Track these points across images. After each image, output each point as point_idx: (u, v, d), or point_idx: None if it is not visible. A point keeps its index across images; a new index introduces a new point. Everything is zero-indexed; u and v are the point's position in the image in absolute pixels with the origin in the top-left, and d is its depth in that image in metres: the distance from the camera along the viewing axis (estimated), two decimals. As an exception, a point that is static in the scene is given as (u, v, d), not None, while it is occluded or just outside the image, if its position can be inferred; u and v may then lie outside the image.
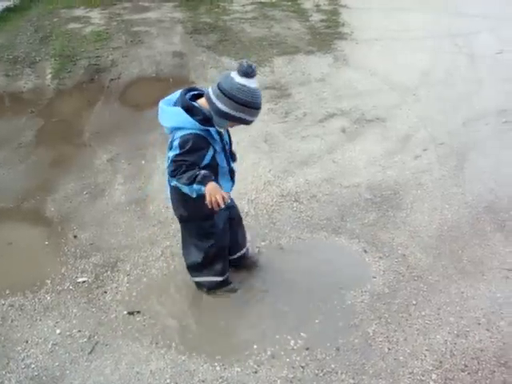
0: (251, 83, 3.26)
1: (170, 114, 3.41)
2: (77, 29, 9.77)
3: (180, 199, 3.73)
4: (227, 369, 3.69)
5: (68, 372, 3.71)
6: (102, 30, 9.76)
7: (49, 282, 4.47)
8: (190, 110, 3.34)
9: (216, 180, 3.48)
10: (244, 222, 4.35)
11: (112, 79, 7.89)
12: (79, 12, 11.23)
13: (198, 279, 4.23)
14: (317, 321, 4.02)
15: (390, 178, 5.62)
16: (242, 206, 5.08)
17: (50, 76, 8.04)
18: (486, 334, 3.90)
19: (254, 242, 4.74)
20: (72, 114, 7.12)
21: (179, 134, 3.37)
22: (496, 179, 5.54)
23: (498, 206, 5.16)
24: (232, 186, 3.85)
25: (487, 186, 5.44)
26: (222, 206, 3.40)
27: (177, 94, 3.49)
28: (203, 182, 3.34)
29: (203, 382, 3.60)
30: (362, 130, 6.55)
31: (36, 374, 3.70)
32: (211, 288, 4.22)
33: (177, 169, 3.38)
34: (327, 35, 9.42)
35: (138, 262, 4.65)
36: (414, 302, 4.17)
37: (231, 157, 3.78)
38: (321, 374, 3.64)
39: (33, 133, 6.69)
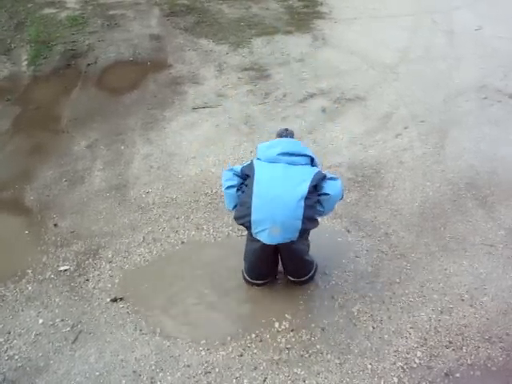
0: None
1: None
2: (52, 14, 9.57)
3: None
4: (212, 353, 3.69)
5: (52, 362, 3.69)
6: (77, 15, 9.58)
7: (30, 271, 4.42)
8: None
9: None
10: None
11: (89, 64, 7.76)
12: (54, -4, 11.03)
13: (312, 272, 4.21)
14: (301, 302, 4.03)
15: (372, 157, 5.61)
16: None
17: (25, 63, 7.90)
18: (469, 309, 3.94)
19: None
20: (49, 101, 7.01)
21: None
22: (477, 155, 5.56)
23: (478, 182, 5.18)
24: None
25: (468, 163, 5.46)
26: None
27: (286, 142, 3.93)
28: None
29: (188, 366, 3.60)
30: (343, 110, 6.51)
31: (20, 365, 3.68)
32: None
33: None
34: (306, 15, 9.33)
35: (120, 248, 4.61)
36: (398, 281, 4.19)
37: None
38: (306, 355, 3.65)
39: (10, 121, 6.58)
